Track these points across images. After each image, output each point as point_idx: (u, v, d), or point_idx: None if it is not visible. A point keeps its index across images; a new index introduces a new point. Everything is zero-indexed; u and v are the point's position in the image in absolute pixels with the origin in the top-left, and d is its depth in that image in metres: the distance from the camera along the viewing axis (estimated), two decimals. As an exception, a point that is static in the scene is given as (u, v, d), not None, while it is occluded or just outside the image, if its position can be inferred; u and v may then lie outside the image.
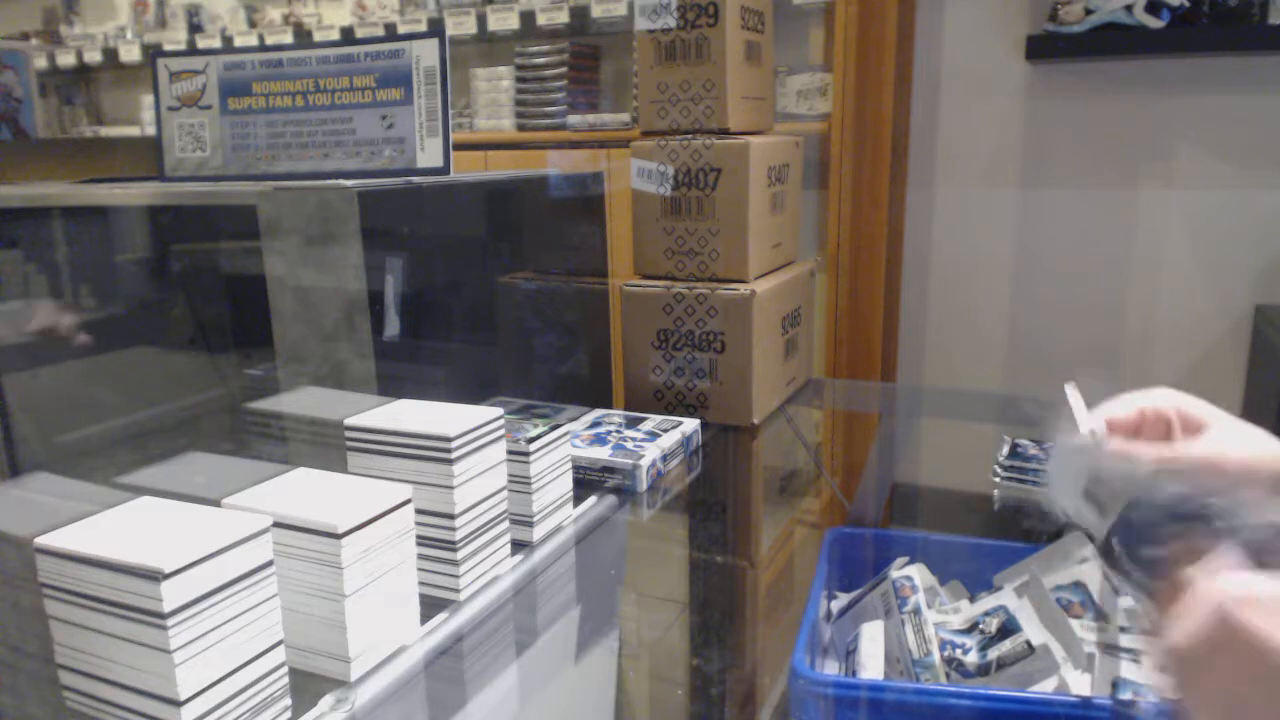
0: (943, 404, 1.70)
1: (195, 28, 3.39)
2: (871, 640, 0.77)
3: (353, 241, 0.82)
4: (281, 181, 0.92)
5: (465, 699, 0.63)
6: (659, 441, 1.01)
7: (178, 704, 0.48)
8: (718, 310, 1.16)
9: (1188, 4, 1.88)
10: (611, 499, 0.92)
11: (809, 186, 2.22)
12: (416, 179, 0.94)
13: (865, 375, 2.21)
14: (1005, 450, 1.05)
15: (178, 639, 0.47)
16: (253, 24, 3.33)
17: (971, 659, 0.74)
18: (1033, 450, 1.05)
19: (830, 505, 1.21)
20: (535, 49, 2.66)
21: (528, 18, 2.65)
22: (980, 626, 0.76)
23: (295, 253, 0.84)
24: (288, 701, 0.54)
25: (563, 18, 2.61)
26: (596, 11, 2.56)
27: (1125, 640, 0.76)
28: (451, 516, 0.67)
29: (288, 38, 3.13)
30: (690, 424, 1.08)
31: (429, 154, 0.94)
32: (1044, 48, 2.02)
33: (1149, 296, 2.13)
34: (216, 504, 0.57)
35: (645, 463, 0.95)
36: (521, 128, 2.71)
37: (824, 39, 2.32)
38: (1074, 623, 0.76)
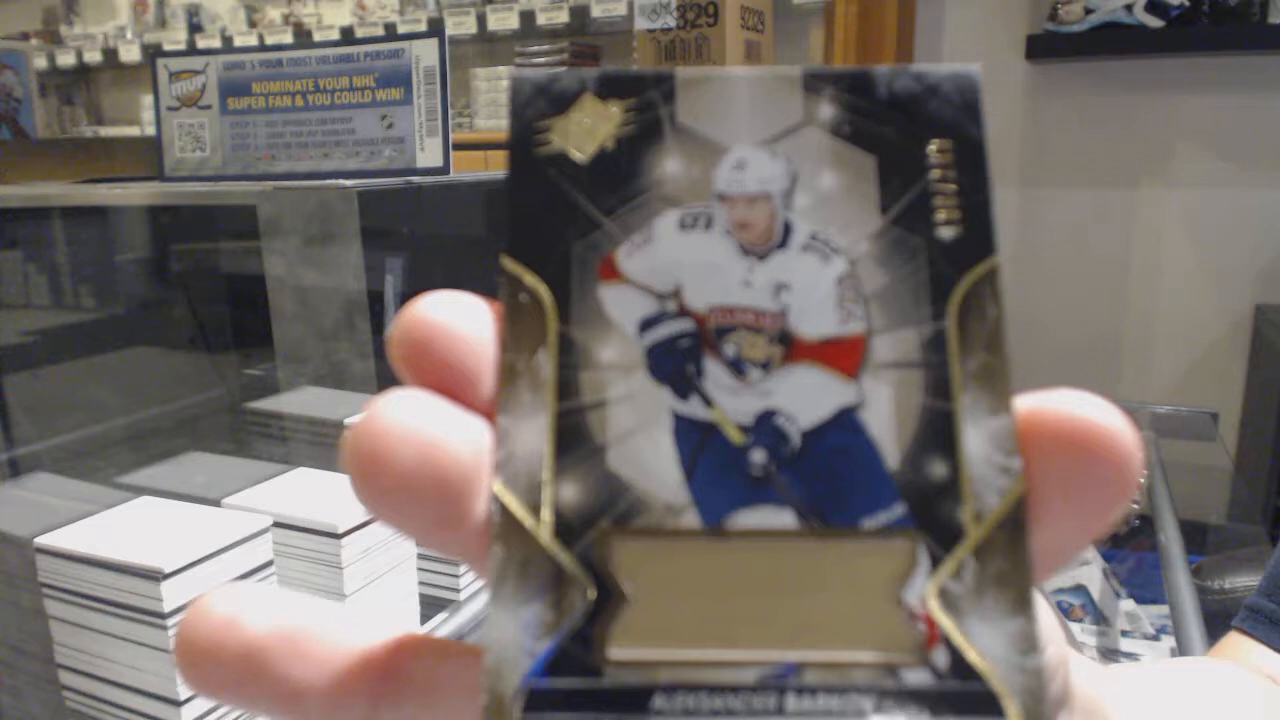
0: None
1: (195, 28, 3.39)
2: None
3: (352, 241, 0.82)
4: (281, 181, 0.92)
5: (465, 699, 0.63)
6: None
7: (178, 704, 0.48)
8: (718, 310, 1.16)
9: (1188, 3, 1.88)
10: (611, 499, 0.92)
11: (809, 186, 2.22)
12: (416, 179, 0.94)
13: (865, 375, 2.21)
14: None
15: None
16: (253, 24, 3.33)
17: (971, 659, 0.74)
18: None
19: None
20: (535, 49, 2.66)
21: (528, 18, 2.65)
22: (980, 626, 0.76)
23: (295, 253, 0.84)
24: (288, 701, 0.54)
25: (563, 18, 2.61)
26: (596, 11, 2.56)
27: (1126, 644, 0.76)
28: (451, 516, 0.67)
29: (288, 38, 3.13)
30: (690, 424, 1.08)
31: (429, 154, 0.94)
32: (1044, 48, 2.02)
33: (1149, 296, 2.13)
34: (216, 504, 0.57)
35: (645, 463, 0.95)
36: (521, 128, 2.71)
37: (824, 39, 2.31)
38: (1074, 626, 0.76)
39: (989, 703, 0.12)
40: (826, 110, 0.14)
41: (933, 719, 0.12)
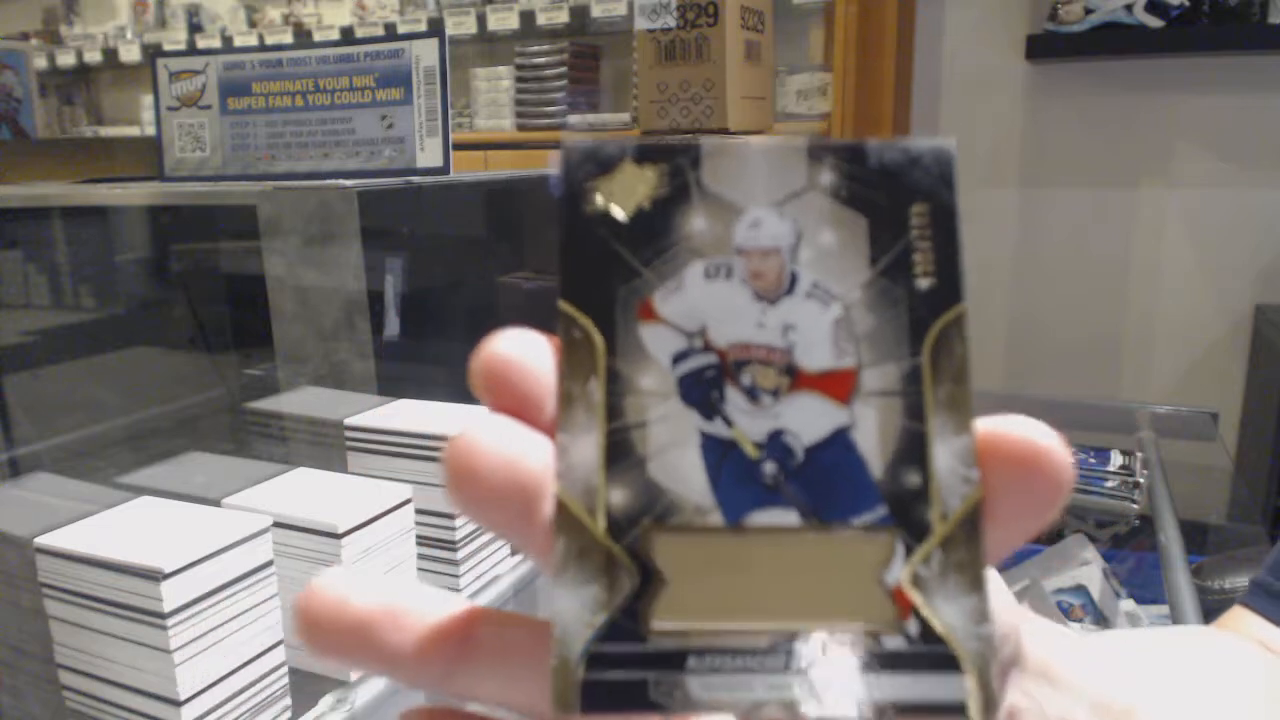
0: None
1: (195, 28, 3.39)
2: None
3: (352, 241, 0.82)
4: (281, 181, 0.92)
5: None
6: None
7: (178, 704, 0.48)
8: (718, 310, 1.15)
9: (1188, 3, 1.88)
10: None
11: (809, 186, 2.21)
12: (416, 179, 0.94)
13: (865, 375, 2.21)
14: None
15: (178, 639, 0.47)
16: (253, 24, 3.32)
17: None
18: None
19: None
20: (535, 49, 2.66)
21: (528, 18, 2.65)
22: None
23: (295, 253, 0.84)
24: (288, 701, 0.54)
25: (563, 18, 2.61)
26: (596, 11, 2.56)
27: (1125, 640, 0.76)
28: (451, 516, 0.67)
29: (288, 38, 3.13)
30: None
31: (429, 154, 0.94)
32: (1044, 48, 2.02)
33: (1149, 296, 2.13)
34: (216, 504, 0.57)
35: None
36: (521, 128, 2.71)
37: (824, 39, 2.32)
38: (1074, 625, 0.76)
39: (949, 661, 0.15)
40: (826, 177, 0.17)
41: (906, 674, 0.15)
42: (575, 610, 0.15)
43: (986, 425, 0.16)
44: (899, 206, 0.17)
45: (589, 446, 0.16)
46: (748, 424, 0.16)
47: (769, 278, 0.16)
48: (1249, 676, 0.34)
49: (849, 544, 0.15)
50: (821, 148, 0.17)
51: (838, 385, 0.16)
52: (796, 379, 0.16)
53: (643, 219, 0.16)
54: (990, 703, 0.15)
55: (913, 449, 0.16)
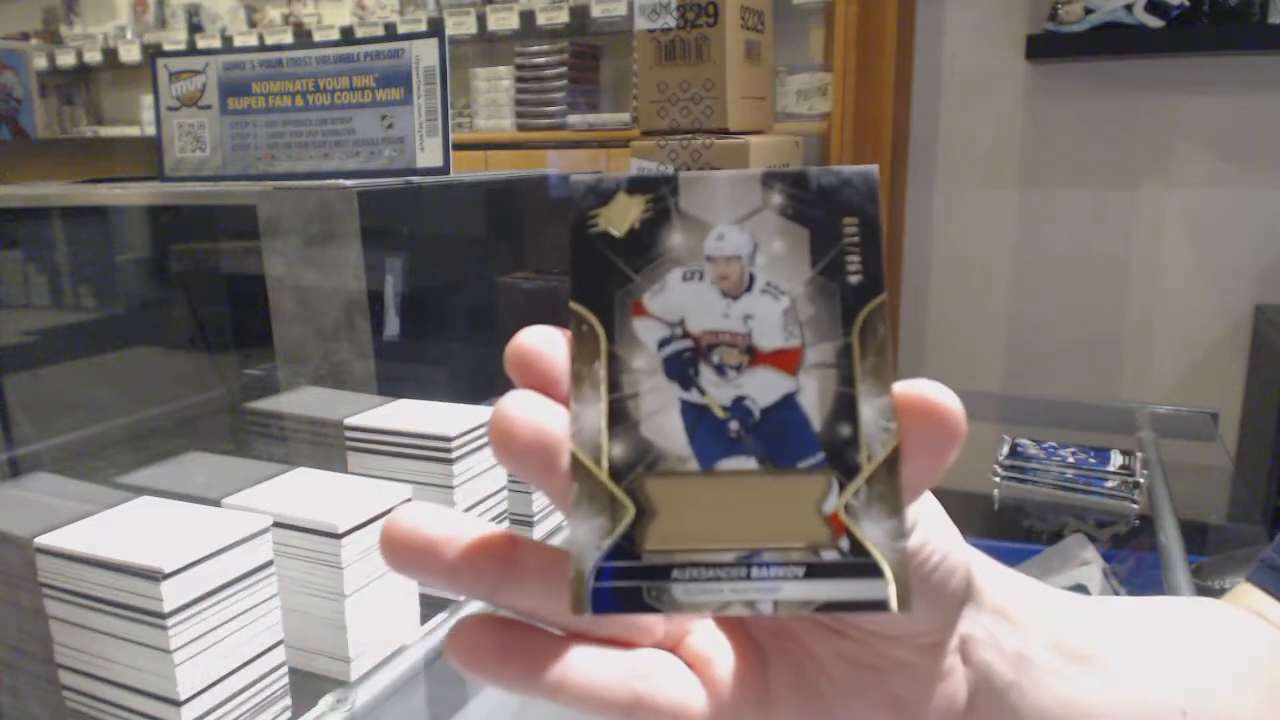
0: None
1: (195, 28, 3.39)
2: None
3: (352, 241, 0.82)
4: (281, 181, 0.92)
5: (465, 699, 0.63)
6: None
7: (178, 704, 0.48)
8: (718, 310, 1.15)
9: (1188, 3, 1.88)
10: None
11: (809, 186, 2.21)
12: (416, 179, 0.94)
13: (865, 375, 2.21)
14: (1005, 450, 1.05)
15: (178, 639, 0.47)
16: (252, 24, 3.32)
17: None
18: (1033, 450, 1.05)
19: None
20: (535, 49, 2.66)
21: (528, 18, 2.65)
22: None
23: (295, 253, 0.84)
24: (288, 701, 0.54)
25: (563, 18, 2.61)
26: (596, 11, 2.55)
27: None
28: (451, 516, 0.67)
29: (288, 38, 3.13)
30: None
31: (429, 154, 0.94)
32: (1044, 48, 2.02)
33: (1149, 296, 2.13)
34: (216, 504, 0.57)
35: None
36: (521, 128, 2.71)
37: (824, 39, 2.31)
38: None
39: (874, 569, 0.19)
40: (776, 198, 0.21)
41: (840, 580, 0.19)
42: (587, 536, 0.19)
43: (901, 387, 0.20)
44: (833, 219, 0.20)
45: (595, 413, 0.20)
46: (717, 392, 0.20)
47: (732, 279, 0.20)
48: (1239, 642, 0.35)
49: (795, 482, 0.19)
50: (772, 175, 0.21)
51: (787, 360, 0.20)
52: (754, 356, 0.20)
53: (634, 236, 0.21)
54: (905, 599, 0.19)
55: (845, 408, 0.20)
